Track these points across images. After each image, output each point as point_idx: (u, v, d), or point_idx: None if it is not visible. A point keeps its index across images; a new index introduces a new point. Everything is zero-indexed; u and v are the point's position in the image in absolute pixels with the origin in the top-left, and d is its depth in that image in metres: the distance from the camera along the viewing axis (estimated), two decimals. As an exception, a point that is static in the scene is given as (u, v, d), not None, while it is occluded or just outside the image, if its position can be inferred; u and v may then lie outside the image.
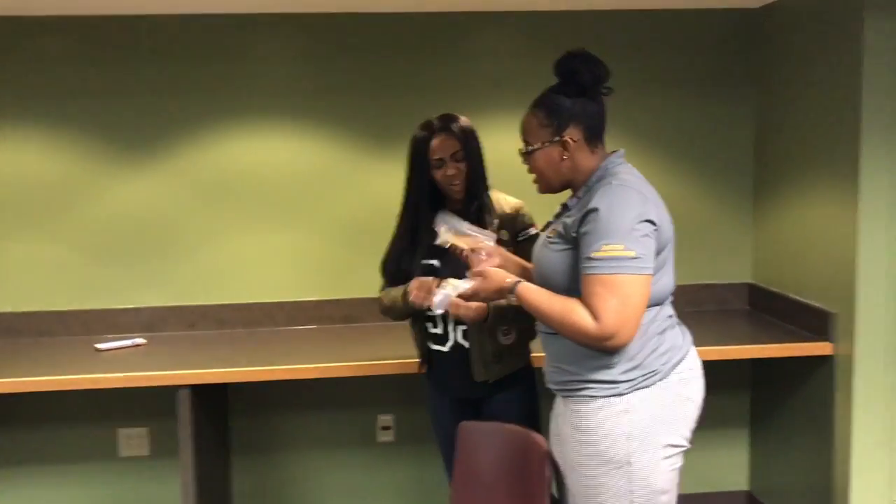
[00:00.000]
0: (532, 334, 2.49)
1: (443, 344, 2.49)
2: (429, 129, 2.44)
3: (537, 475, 2.16)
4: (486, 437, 2.39)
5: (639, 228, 1.84)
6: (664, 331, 1.96)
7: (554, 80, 2.04)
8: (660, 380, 1.93)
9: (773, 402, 3.39)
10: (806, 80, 3.11)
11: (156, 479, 3.40)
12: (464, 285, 2.12)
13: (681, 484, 2.06)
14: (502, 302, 2.19)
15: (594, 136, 2.01)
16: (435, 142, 2.41)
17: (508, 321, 2.40)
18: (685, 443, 1.98)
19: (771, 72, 3.40)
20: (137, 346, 3.19)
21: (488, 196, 2.48)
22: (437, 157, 2.41)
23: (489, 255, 2.19)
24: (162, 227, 3.40)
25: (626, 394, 1.91)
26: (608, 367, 1.92)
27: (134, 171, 3.36)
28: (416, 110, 3.35)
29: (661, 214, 1.93)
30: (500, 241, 2.37)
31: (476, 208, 2.44)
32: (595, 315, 1.83)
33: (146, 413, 3.37)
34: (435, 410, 2.64)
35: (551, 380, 2.07)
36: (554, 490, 2.14)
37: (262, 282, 3.45)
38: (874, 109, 2.73)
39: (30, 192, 3.33)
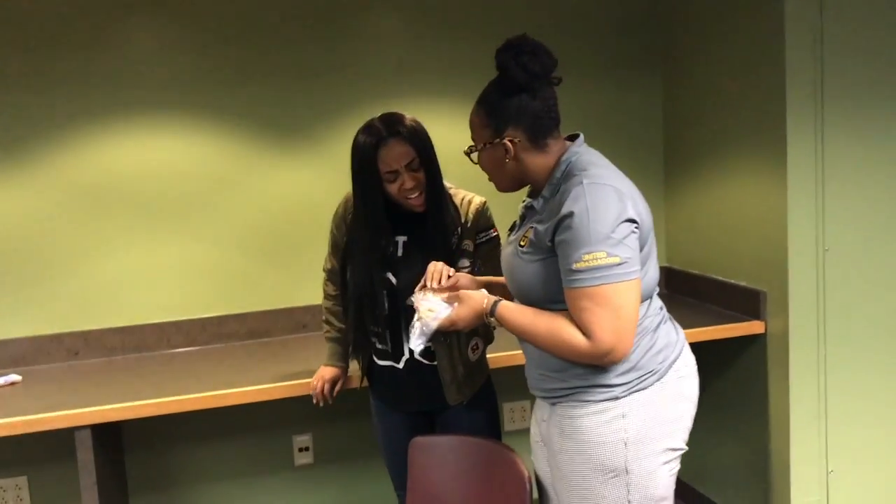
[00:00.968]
0: (490, 338, 2.32)
1: (395, 360, 2.24)
2: (374, 134, 2.05)
3: (516, 493, 1.98)
4: (447, 453, 2.18)
5: (620, 230, 1.67)
6: (657, 326, 1.82)
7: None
8: (657, 380, 1.79)
9: (701, 385, 3.36)
10: (718, 57, 3.08)
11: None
12: (440, 313, 1.86)
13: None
14: None
15: (539, 135, 1.79)
16: (384, 151, 2.04)
17: (479, 335, 2.22)
18: (684, 445, 1.85)
19: (678, 50, 3.37)
20: (13, 384, 2.74)
21: (453, 203, 2.20)
22: (390, 169, 2.06)
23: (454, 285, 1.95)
24: (29, 244, 2.93)
25: (623, 397, 1.76)
26: (602, 370, 1.75)
27: (-10, 182, 2.89)
28: (315, 99, 3.11)
29: (640, 206, 1.75)
30: (463, 252, 2.17)
31: (440, 227, 2.15)
32: (586, 332, 1.66)
33: (24, 460, 2.91)
34: (384, 428, 2.39)
35: (536, 387, 1.89)
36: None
37: (153, 300, 3.07)
38: (798, 84, 2.70)
39: None
